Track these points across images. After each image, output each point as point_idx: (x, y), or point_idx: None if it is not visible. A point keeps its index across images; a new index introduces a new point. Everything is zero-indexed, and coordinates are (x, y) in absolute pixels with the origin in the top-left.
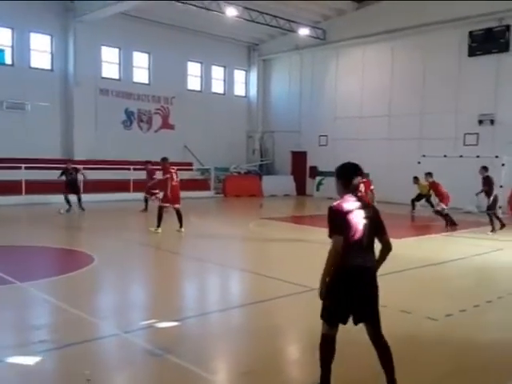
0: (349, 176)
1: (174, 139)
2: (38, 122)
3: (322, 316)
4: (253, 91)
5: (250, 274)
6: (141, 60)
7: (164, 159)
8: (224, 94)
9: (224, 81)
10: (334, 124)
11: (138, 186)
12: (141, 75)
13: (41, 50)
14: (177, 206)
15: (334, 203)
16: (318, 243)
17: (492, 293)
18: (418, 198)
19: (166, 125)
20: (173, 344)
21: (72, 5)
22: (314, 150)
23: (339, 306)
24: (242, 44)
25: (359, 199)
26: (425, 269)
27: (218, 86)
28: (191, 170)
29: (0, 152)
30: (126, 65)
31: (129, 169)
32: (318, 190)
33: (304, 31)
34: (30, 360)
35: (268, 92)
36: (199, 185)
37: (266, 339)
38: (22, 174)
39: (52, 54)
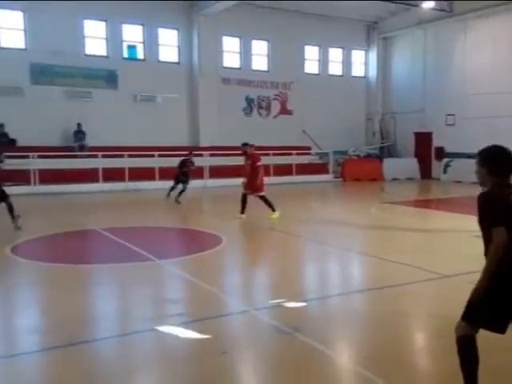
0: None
1: (292, 124)
2: (168, 112)
3: (468, 317)
4: (372, 71)
5: (374, 258)
6: (260, 48)
7: (249, 145)
8: (342, 76)
9: (342, 62)
10: (463, 102)
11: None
12: (260, 62)
13: (168, 44)
14: (262, 193)
15: (486, 190)
16: (447, 229)
17: None
18: None
19: (284, 110)
20: (299, 323)
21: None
22: (440, 130)
23: (500, 312)
24: (361, 23)
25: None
26: None
27: (335, 68)
28: (309, 154)
29: (134, 141)
30: (245, 53)
31: (269, 154)
32: (445, 172)
33: (428, 4)
34: (168, 331)
35: (389, 71)
36: (318, 169)
37: (390, 325)
38: (155, 162)
39: (178, 47)
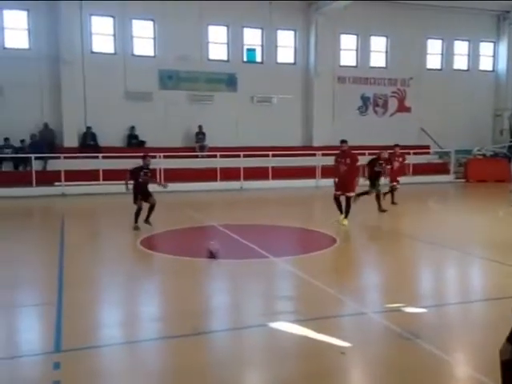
0: None
1: (409, 122)
2: (283, 113)
3: None
4: (502, 64)
5: (498, 264)
6: (378, 44)
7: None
8: (467, 70)
9: (468, 56)
10: None
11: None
12: (378, 59)
13: (285, 46)
14: (352, 194)
15: None
16: None
17: None
18: None
19: (401, 107)
20: (420, 329)
21: None
22: None
23: None
24: (490, 13)
25: None
26: None
27: (460, 62)
28: (428, 153)
29: (251, 141)
30: (363, 50)
31: (364, 154)
32: None
33: None
34: (284, 328)
35: None
36: (437, 169)
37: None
38: (270, 162)
39: (295, 48)
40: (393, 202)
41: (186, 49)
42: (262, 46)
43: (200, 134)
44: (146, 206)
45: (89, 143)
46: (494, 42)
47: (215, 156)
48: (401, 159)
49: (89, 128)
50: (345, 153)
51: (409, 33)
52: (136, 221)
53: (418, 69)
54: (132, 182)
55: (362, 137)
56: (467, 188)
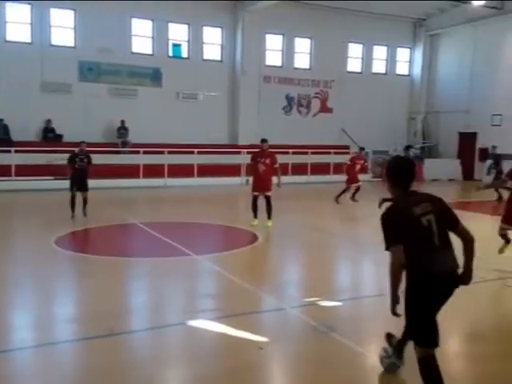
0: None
1: (331, 122)
2: (208, 110)
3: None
4: (417, 69)
5: None
6: (302, 45)
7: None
8: (385, 74)
9: (386, 60)
10: (511, 102)
11: (296, 169)
12: (302, 60)
13: (212, 43)
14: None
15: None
16: (487, 231)
17: None
18: None
19: (324, 108)
20: (335, 323)
21: None
22: (485, 131)
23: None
24: (407, 20)
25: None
26: None
27: (379, 66)
28: (348, 153)
29: (176, 138)
30: (288, 51)
31: (288, 153)
32: (488, 173)
33: (479, 2)
34: (204, 325)
35: (434, 70)
36: None
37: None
38: (195, 159)
39: (222, 45)
40: (353, 199)
41: (108, 40)
42: (188, 41)
43: (122, 129)
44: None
45: (0, 137)
46: (410, 48)
47: (138, 152)
48: (362, 161)
49: (0, 120)
50: (265, 152)
51: (332, 36)
52: (72, 210)
53: (340, 71)
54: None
55: (287, 136)
56: (383, 187)
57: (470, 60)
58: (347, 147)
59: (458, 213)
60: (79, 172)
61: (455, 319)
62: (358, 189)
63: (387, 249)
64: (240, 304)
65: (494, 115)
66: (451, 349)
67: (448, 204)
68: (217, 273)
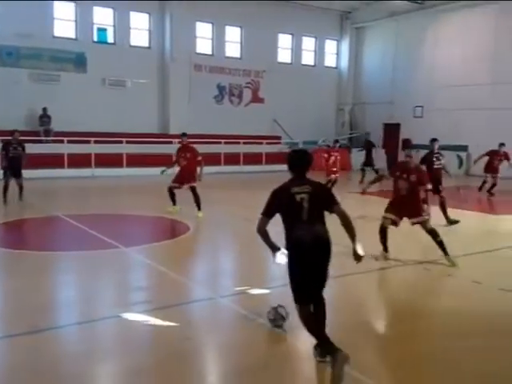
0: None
1: (263, 113)
2: (137, 98)
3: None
4: (344, 62)
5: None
6: (233, 34)
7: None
8: (314, 66)
9: (315, 52)
10: (431, 94)
11: (229, 159)
12: (233, 50)
13: (139, 28)
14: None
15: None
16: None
17: None
18: None
19: (255, 98)
20: (263, 309)
21: None
22: (407, 122)
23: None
24: (335, 13)
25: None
26: None
27: (308, 58)
28: (280, 143)
29: (102, 127)
30: (218, 40)
31: (220, 142)
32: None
33: None
34: (133, 318)
35: (360, 62)
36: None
37: (356, 311)
38: (124, 148)
39: (150, 31)
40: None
41: (28, 24)
42: (114, 26)
43: (45, 117)
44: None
45: None
46: (338, 40)
47: (62, 141)
48: (337, 154)
49: None
50: (185, 147)
51: (262, 26)
52: (4, 197)
53: (271, 62)
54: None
55: (218, 125)
56: (313, 175)
57: (392, 53)
58: (279, 137)
59: (380, 200)
60: (14, 160)
61: (380, 300)
62: (334, 181)
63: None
64: (170, 295)
65: (416, 107)
66: (373, 329)
67: (328, 189)
68: (147, 265)
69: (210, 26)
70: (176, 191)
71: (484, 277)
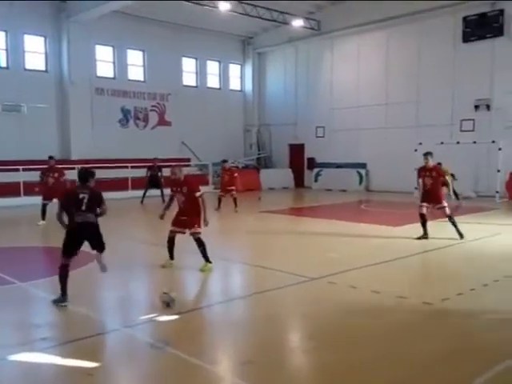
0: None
1: (170, 135)
2: (35, 123)
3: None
4: (248, 85)
5: (250, 266)
6: (135, 58)
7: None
8: (220, 89)
9: (219, 75)
10: (331, 115)
11: (137, 183)
12: (136, 73)
13: (35, 52)
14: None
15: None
16: (317, 234)
17: (488, 276)
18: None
19: (162, 121)
20: (173, 337)
21: (64, 5)
22: (311, 142)
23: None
24: (237, 38)
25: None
26: (422, 255)
27: (213, 81)
28: (189, 165)
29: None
30: (120, 63)
31: (127, 167)
32: (316, 181)
33: (298, 22)
34: (32, 357)
35: (263, 85)
36: (197, 181)
37: (266, 329)
38: (20, 176)
39: (46, 54)
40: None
41: None
42: (7, 50)
43: None
44: None
45: None
46: (241, 64)
47: None
48: (229, 173)
49: None
50: (52, 168)
51: (165, 49)
52: None
53: (176, 85)
54: None
55: (124, 149)
56: (224, 197)
57: (293, 77)
58: (188, 159)
59: (290, 218)
60: None
61: (291, 315)
62: (234, 198)
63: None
64: (71, 330)
65: (317, 127)
66: (278, 339)
67: (100, 193)
68: (44, 299)
69: (110, 49)
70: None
71: (381, 286)
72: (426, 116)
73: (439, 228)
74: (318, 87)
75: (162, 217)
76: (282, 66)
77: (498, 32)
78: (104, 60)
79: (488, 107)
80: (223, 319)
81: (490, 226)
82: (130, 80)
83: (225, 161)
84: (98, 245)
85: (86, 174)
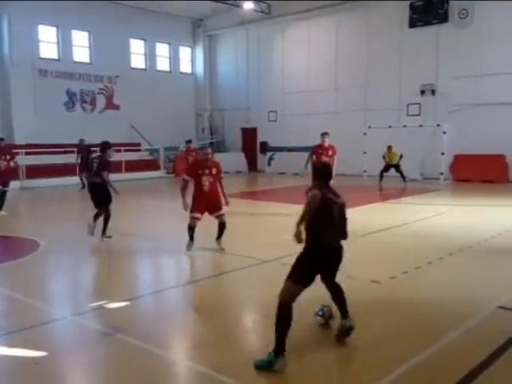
0: None
1: (119, 119)
2: None
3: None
4: (199, 68)
5: (202, 250)
6: (81, 39)
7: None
8: (170, 72)
9: (169, 58)
10: (283, 99)
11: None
12: (82, 54)
13: None
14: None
15: None
16: (270, 216)
17: (433, 254)
18: (387, 168)
19: (110, 105)
20: (123, 323)
21: None
22: (263, 126)
23: None
24: (187, 20)
25: None
26: (369, 236)
27: (163, 64)
28: (139, 150)
29: None
30: (65, 44)
31: (73, 151)
32: (269, 165)
33: (248, 5)
34: None
35: (215, 69)
36: (148, 165)
37: (216, 312)
38: None
39: None
40: None
41: None
42: None
43: None
44: None
45: None
46: (192, 47)
47: None
48: (194, 154)
49: None
50: (3, 150)
51: (112, 30)
52: None
53: (124, 67)
54: None
55: (71, 133)
56: (176, 182)
57: (245, 60)
58: (138, 144)
59: (244, 201)
60: None
61: (242, 297)
62: None
63: None
64: (17, 320)
65: (270, 111)
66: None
67: None
68: None
69: (54, 29)
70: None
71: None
72: (375, 100)
73: (386, 209)
74: (270, 71)
75: (186, 206)
76: (234, 50)
77: (443, 18)
78: (47, 41)
79: (433, 92)
80: (173, 304)
81: (434, 206)
82: (75, 62)
83: (189, 141)
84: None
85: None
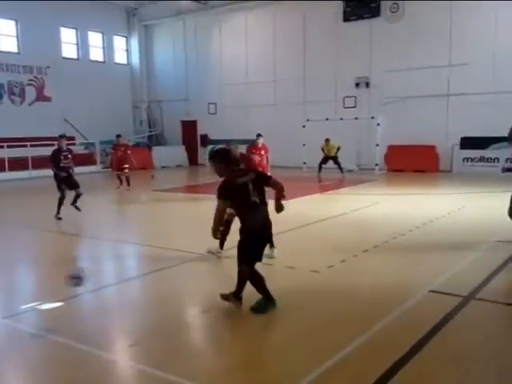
0: None
1: (51, 112)
2: None
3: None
4: (135, 59)
5: (141, 246)
6: (7, 27)
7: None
8: (104, 62)
9: (103, 48)
10: (222, 91)
11: (14, 164)
12: (8, 44)
13: None
14: None
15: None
16: (212, 210)
17: (369, 243)
18: (325, 160)
19: (41, 97)
20: (58, 324)
21: None
22: (203, 119)
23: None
24: (120, 8)
25: None
26: (308, 227)
27: (97, 54)
28: (74, 144)
29: None
30: None
31: (2, 146)
32: None
33: None
34: None
35: (152, 59)
36: (84, 160)
37: (156, 309)
38: None
39: None
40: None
41: None
42: None
43: None
44: None
45: None
46: (126, 37)
47: None
48: (123, 149)
49: None
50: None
51: (41, 19)
52: None
53: (54, 57)
54: None
55: (0, 127)
56: (113, 177)
57: (183, 51)
58: (72, 138)
59: (185, 196)
60: None
61: (183, 293)
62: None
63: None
64: None
65: (209, 104)
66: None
67: None
68: None
69: None
70: None
71: (272, 259)
72: (313, 93)
73: (324, 200)
74: (208, 63)
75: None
76: (171, 41)
77: (376, 12)
78: None
79: (367, 85)
80: (110, 303)
81: (370, 196)
82: (1, 52)
83: (118, 135)
84: None
85: None
